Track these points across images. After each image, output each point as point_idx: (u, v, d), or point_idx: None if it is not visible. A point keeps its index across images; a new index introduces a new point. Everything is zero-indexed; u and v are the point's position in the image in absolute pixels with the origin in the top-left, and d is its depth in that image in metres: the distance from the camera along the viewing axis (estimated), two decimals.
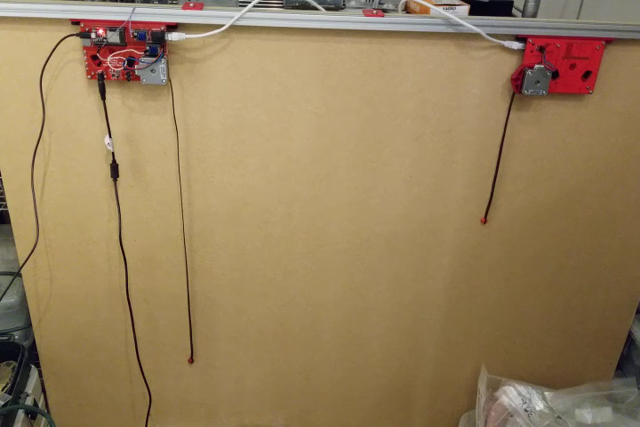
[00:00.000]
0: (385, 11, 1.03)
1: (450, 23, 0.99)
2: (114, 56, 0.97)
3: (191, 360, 1.29)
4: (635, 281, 1.26)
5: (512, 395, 1.24)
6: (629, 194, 1.17)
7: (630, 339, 1.36)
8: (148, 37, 0.96)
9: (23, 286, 1.19)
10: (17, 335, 1.28)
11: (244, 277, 1.21)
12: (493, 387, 1.29)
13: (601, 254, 1.23)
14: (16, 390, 1.13)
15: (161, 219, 1.14)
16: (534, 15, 1.13)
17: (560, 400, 1.24)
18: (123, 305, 1.22)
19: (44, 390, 1.29)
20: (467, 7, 1.06)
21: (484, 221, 1.18)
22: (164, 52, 0.97)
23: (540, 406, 1.23)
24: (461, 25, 0.99)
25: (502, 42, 1.01)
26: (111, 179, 1.09)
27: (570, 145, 1.12)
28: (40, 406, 1.24)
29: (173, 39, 0.96)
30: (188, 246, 1.17)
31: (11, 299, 1.26)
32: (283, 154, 1.10)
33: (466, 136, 1.10)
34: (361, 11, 1.01)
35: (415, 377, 1.35)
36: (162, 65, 0.98)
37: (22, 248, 1.14)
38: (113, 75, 0.99)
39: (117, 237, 1.14)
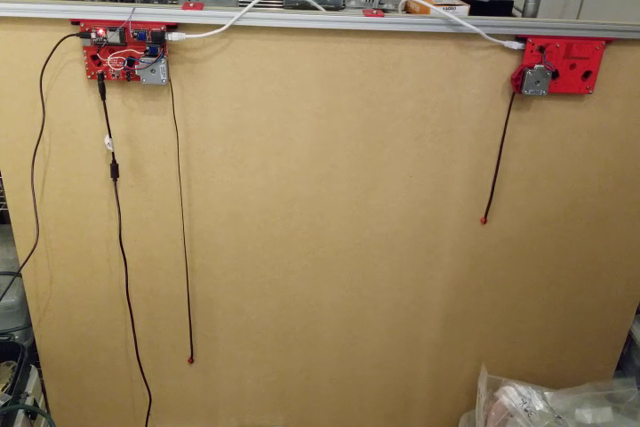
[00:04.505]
0: (385, 11, 1.03)
1: (450, 23, 0.99)
2: (114, 56, 0.97)
3: (191, 360, 1.29)
4: (635, 281, 1.26)
5: (512, 395, 1.24)
6: (629, 194, 1.17)
7: (630, 339, 1.36)
8: (148, 37, 0.96)
9: (23, 286, 1.19)
10: (17, 335, 1.28)
11: (243, 277, 1.21)
12: (493, 387, 1.28)
13: (601, 254, 1.23)
14: (16, 390, 1.13)
15: (161, 219, 1.14)
16: (534, 15, 1.13)
17: (560, 400, 1.24)
18: (123, 305, 1.22)
19: (43, 390, 1.29)
20: (467, 7, 1.06)
21: (484, 221, 1.18)
22: (163, 52, 0.97)
23: (540, 406, 1.23)
24: (461, 25, 0.99)
25: (502, 42, 1.01)
26: (111, 179, 1.09)
27: (570, 145, 1.12)
28: (40, 406, 1.24)
29: (173, 39, 0.96)
30: (188, 246, 1.17)
31: (11, 299, 1.26)
32: (283, 154, 1.10)
33: (466, 136, 1.10)
34: (361, 11, 1.01)
35: (415, 377, 1.35)
36: (162, 65, 0.98)
37: (22, 248, 1.14)
38: (113, 75, 0.99)
39: (117, 237, 1.14)
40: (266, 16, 0.97)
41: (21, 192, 1.10)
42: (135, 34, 0.95)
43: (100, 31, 0.95)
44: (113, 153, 1.07)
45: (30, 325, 1.25)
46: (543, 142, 1.11)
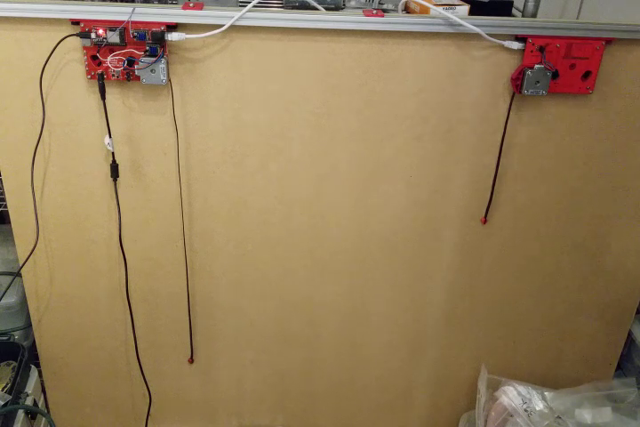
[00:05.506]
0: (385, 11, 1.03)
1: (450, 23, 0.99)
2: (114, 56, 0.97)
3: (191, 360, 1.29)
4: (635, 281, 1.26)
5: (512, 395, 1.24)
6: (629, 194, 1.17)
7: (630, 339, 1.36)
8: (148, 37, 0.96)
9: (23, 286, 1.19)
10: (17, 335, 1.28)
11: (243, 277, 1.21)
12: (493, 387, 1.28)
13: (601, 254, 1.23)
14: (16, 390, 1.13)
15: (161, 219, 1.14)
16: (534, 15, 1.13)
17: (560, 400, 1.24)
18: (123, 305, 1.22)
19: (43, 390, 1.29)
20: (467, 7, 1.05)
21: (484, 221, 1.18)
22: (163, 52, 0.97)
23: (539, 406, 1.23)
24: (461, 25, 0.99)
25: (502, 42, 1.01)
26: (111, 179, 1.09)
27: (570, 145, 1.12)
28: (40, 406, 1.24)
29: (173, 39, 0.96)
30: (188, 246, 1.17)
31: (11, 299, 1.26)
32: (283, 154, 1.10)
33: (466, 136, 1.10)
34: (361, 11, 1.01)
35: (415, 377, 1.35)
36: (162, 65, 0.98)
37: (22, 248, 1.14)
38: (113, 75, 0.99)
39: (117, 237, 1.14)
40: (266, 16, 0.97)
41: (21, 192, 1.10)
42: (135, 34, 0.95)
43: (100, 31, 0.95)
44: (113, 153, 1.07)
45: (30, 325, 1.25)
46: (543, 142, 1.11)
